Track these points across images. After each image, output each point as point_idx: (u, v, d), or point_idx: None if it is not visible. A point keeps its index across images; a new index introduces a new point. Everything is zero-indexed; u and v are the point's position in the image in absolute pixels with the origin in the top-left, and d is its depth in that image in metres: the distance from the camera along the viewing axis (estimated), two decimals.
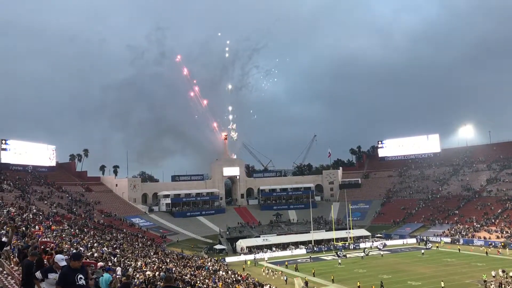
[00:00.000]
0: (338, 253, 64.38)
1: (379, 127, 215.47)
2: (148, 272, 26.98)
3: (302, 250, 69.94)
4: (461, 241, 68.34)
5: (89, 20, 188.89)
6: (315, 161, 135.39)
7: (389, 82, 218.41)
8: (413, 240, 73.83)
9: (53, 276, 7.09)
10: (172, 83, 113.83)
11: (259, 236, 76.04)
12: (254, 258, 63.53)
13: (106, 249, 34.74)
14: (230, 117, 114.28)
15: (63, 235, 36.97)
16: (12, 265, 11.71)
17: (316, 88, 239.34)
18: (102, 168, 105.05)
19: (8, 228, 17.34)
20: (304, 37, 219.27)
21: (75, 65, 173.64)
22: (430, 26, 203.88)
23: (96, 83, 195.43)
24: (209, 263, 52.46)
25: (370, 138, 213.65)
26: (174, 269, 36.78)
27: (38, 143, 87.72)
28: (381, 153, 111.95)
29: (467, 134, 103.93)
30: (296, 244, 72.68)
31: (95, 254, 26.69)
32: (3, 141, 78.96)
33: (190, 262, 49.89)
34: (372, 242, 72.73)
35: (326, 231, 78.60)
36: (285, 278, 47.49)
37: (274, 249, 70.74)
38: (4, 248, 11.47)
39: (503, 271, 42.48)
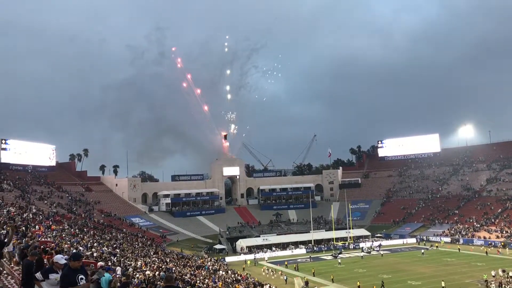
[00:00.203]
0: (333, 253, 64.24)
1: (379, 127, 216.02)
2: (148, 272, 27.02)
3: (302, 250, 69.98)
4: (461, 241, 68.41)
5: (89, 20, 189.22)
6: (315, 161, 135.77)
7: (389, 82, 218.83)
8: (413, 240, 73.94)
9: (54, 277, 7.08)
10: (172, 83, 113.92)
11: (259, 236, 76.09)
12: (254, 258, 63.52)
13: (106, 248, 34.73)
14: (230, 117, 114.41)
15: (63, 235, 37.03)
16: (12, 265, 11.71)
17: (316, 88, 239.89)
18: (102, 168, 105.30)
19: (8, 228, 17.35)
20: (304, 37, 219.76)
21: (75, 65, 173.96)
22: (430, 26, 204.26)
23: (96, 83, 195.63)
24: (209, 262, 52.47)
25: (370, 138, 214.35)
26: (174, 268, 36.84)
27: (38, 143, 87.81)
28: (381, 153, 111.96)
29: (467, 134, 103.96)
30: (296, 244, 72.73)
31: (95, 254, 26.70)
32: (3, 141, 78.95)
33: (190, 261, 49.92)
34: (372, 242, 72.74)
35: (326, 231, 78.62)
36: (285, 278, 47.46)
37: (274, 248, 70.75)
38: (6, 250, 11.45)
39: (503, 271, 42.56)
